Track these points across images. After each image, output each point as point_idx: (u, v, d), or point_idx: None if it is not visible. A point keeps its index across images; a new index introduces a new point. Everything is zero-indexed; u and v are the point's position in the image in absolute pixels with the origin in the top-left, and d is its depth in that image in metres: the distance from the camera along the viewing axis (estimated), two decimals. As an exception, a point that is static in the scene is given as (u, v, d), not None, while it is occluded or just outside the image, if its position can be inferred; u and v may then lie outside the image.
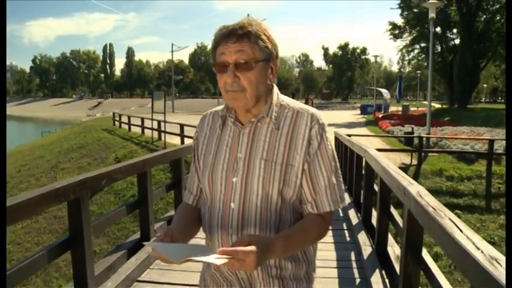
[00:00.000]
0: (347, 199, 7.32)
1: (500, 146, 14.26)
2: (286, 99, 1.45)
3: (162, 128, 18.01)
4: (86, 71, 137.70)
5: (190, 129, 16.42)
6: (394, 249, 4.11)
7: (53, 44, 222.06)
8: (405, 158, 14.18)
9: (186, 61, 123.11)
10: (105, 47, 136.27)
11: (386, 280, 3.71)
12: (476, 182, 12.60)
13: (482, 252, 1.58)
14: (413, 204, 2.61)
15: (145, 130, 20.20)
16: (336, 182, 1.40)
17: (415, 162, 13.73)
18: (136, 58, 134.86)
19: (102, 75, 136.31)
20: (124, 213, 4.26)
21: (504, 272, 1.38)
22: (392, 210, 4.10)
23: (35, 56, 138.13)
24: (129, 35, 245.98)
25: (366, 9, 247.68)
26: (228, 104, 1.41)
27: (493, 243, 9.05)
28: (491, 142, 13.26)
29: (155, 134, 18.73)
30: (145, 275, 3.88)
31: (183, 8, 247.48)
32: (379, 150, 8.79)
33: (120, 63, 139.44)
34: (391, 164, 3.88)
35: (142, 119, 20.61)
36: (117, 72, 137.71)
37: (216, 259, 1.14)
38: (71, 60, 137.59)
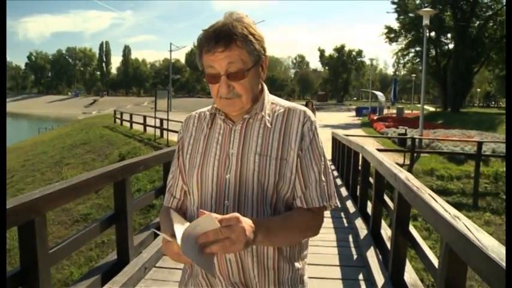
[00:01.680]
0: (344, 192, 7.98)
1: (488, 148, 15.08)
2: (276, 98, 1.45)
3: (165, 126, 18.58)
4: (82, 69, 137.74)
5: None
6: (386, 232, 4.73)
7: (48, 40, 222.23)
8: (398, 158, 14.83)
9: (183, 60, 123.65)
10: (101, 45, 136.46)
11: (380, 256, 4.34)
12: (465, 182, 13.30)
13: (449, 213, 2.23)
14: (403, 186, 3.25)
15: (147, 128, 20.77)
16: (325, 179, 1.37)
17: (407, 162, 14.40)
18: (133, 56, 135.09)
19: (98, 73, 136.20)
20: (152, 197, 4.88)
21: (463, 224, 2.02)
22: (385, 197, 4.75)
23: (30, 52, 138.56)
24: (125, 33, 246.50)
25: (362, 12, 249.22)
26: (223, 110, 1.38)
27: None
28: (479, 144, 13.91)
29: (157, 132, 19.33)
30: (172, 250, 4.49)
31: (179, 7, 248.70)
32: (374, 149, 9.49)
33: (116, 61, 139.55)
34: (385, 157, 4.53)
35: (145, 117, 21.26)
36: (113, 70, 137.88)
37: (190, 243, 1.06)
38: (67, 57, 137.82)
